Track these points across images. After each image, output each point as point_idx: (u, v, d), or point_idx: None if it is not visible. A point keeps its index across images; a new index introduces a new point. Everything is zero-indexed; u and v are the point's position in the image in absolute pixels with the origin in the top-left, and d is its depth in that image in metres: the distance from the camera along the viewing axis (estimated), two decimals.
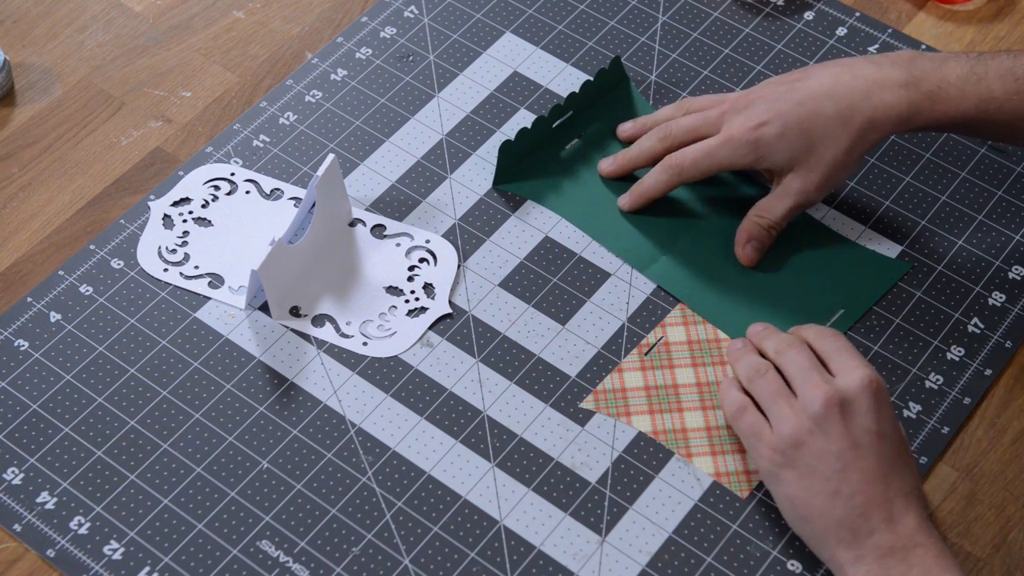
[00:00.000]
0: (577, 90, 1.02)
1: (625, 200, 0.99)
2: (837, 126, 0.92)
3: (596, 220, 0.99)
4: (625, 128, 1.02)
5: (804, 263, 0.97)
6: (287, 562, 0.85)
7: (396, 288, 0.96)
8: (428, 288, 0.96)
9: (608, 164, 1.01)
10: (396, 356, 0.93)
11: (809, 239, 0.98)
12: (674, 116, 0.99)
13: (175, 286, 0.96)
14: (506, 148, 0.99)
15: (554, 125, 1.02)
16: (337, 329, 0.94)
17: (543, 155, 1.02)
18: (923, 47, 1.09)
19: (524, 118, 1.05)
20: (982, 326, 0.95)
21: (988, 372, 0.93)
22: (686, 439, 0.89)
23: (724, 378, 0.89)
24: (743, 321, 0.93)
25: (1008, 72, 0.91)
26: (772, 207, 0.95)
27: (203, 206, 1.00)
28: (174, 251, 0.98)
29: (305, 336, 0.94)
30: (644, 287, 0.96)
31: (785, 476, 0.82)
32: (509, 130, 1.04)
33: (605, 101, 1.04)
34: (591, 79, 1.03)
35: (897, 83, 0.91)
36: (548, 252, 0.98)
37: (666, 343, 0.93)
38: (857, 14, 1.11)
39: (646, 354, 0.92)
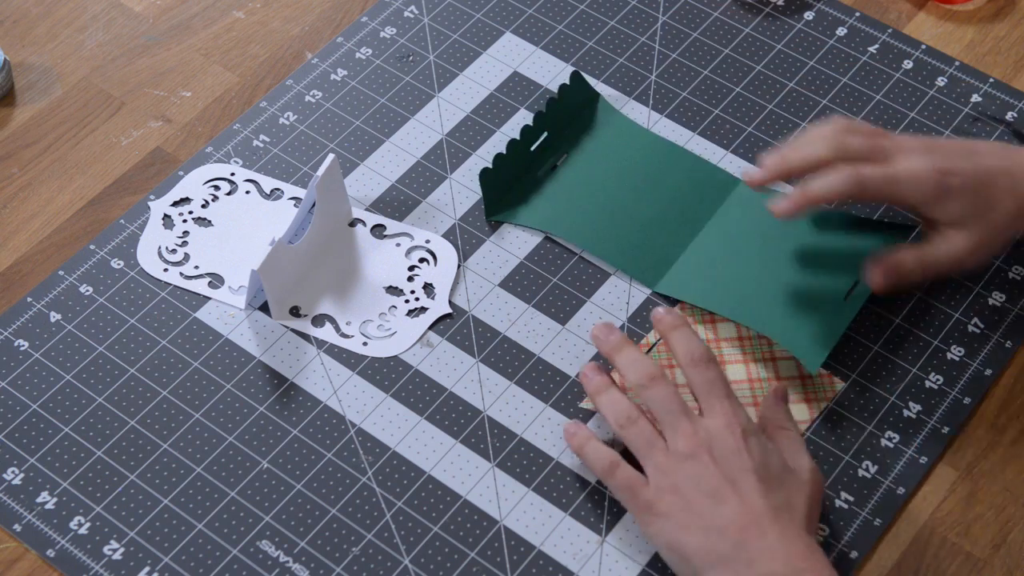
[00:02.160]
0: (544, 109, 1.01)
1: (786, 204, 0.90)
2: (1009, 201, 0.90)
3: (601, 239, 0.97)
4: (770, 166, 0.92)
5: (813, 245, 0.96)
6: (287, 562, 0.85)
7: (396, 288, 0.96)
8: (428, 288, 0.96)
9: (784, 204, 0.91)
10: (396, 356, 0.93)
11: (814, 224, 0.98)
12: (831, 134, 0.92)
13: (175, 286, 0.96)
14: (487, 176, 0.98)
15: (532, 148, 1.01)
16: (337, 329, 0.94)
17: (531, 179, 1.00)
18: (923, 47, 1.09)
19: (524, 117, 1.05)
20: (982, 326, 0.95)
21: (988, 372, 0.93)
22: None
23: (571, 426, 0.87)
24: (768, 314, 0.93)
25: None
26: (934, 251, 0.91)
27: (203, 206, 1.00)
28: (174, 251, 0.98)
29: (305, 336, 0.94)
30: (644, 287, 0.96)
31: (660, 524, 0.81)
32: (509, 130, 1.04)
33: (582, 118, 1.03)
34: (555, 96, 1.02)
35: None
36: (548, 252, 0.98)
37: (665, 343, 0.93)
38: (857, 14, 1.11)
39: (646, 353, 0.92)
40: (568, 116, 1.03)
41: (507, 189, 0.99)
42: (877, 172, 0.90)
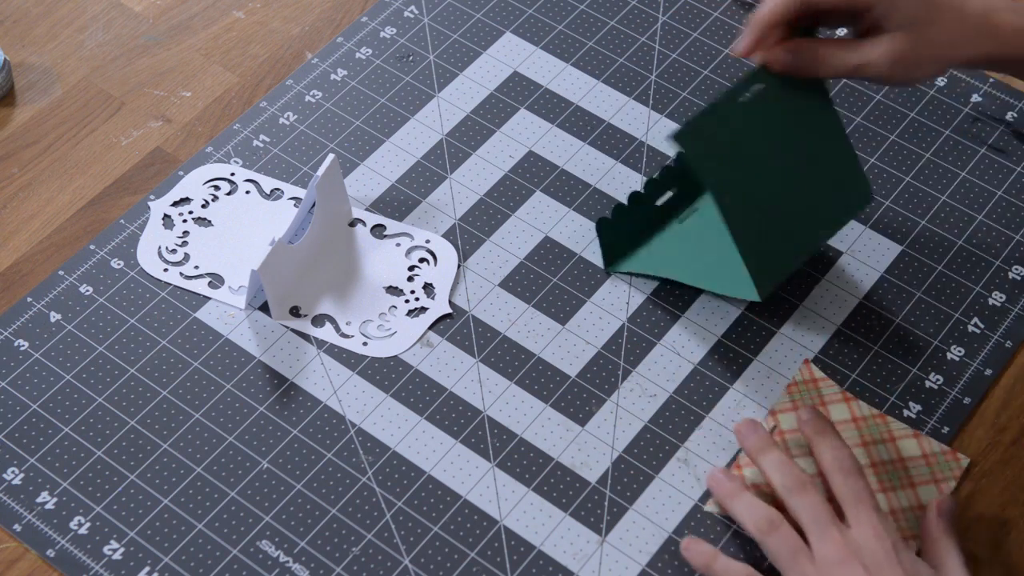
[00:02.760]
0: (672, 163, 0.96)
1: (743, 40, 0.87)
2: (954, 27, 0.86)
3: (719, 275, 0.93)
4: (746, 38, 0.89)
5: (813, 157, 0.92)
6: (287, 562, 0.85)
7: (396, 288, 0.96)
8: (428, 288, 0.96)
9: (741, 40, 0.88)
10: (396, 356, 0.93)
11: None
12: None
13: (175, 286, 0.96)
14: (605, 225, 0.95)
15: (658, 203, 0.97)
16: (337, 329, 0.94)
17: (652, 231, 0.97)
18: None
19: (524, 118, 1.05)
20: (982, 326, 0.95)
21: (988, 372, 0.93)
22: None
23: (697, 548, 0.83)
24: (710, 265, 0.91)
25: None
26: (856, 48, 0.87)
27: (203, 206, 1.00)
28: (174, 251, 0.98)
29: (305, 336, 0.94)
30: (644, 287, 0.96)
31: None
32: (509, 130, 1.04)
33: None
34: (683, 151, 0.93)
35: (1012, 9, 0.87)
36: (548, 252, 0.98)
37: (780, 432, 0.89)
38: None
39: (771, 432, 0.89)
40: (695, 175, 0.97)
41: (627, 240, 0.96)
42: None
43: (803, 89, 0.90)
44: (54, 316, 0.95)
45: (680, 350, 0.94)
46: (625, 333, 0.94)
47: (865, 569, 0.77)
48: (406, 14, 1.11)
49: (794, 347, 0.94)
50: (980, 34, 0.87)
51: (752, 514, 0.81)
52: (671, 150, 1.03)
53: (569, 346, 0.94)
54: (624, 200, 0.96)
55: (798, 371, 0.92)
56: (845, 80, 1.07)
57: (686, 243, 0.96)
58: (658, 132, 1.04)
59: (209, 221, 0.99)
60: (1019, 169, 1.03)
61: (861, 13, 0.87)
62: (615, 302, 0.96)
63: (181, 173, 1.02)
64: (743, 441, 0.85)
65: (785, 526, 0.80)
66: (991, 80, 1.07)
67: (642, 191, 0.96)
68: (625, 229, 0.97)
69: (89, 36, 1.10)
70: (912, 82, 0.89)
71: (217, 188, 1.01)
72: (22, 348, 0.93)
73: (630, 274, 0.97)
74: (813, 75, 0.88)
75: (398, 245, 0.98)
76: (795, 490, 0.81)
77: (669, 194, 0.97)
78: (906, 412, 0.91)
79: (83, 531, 0.86)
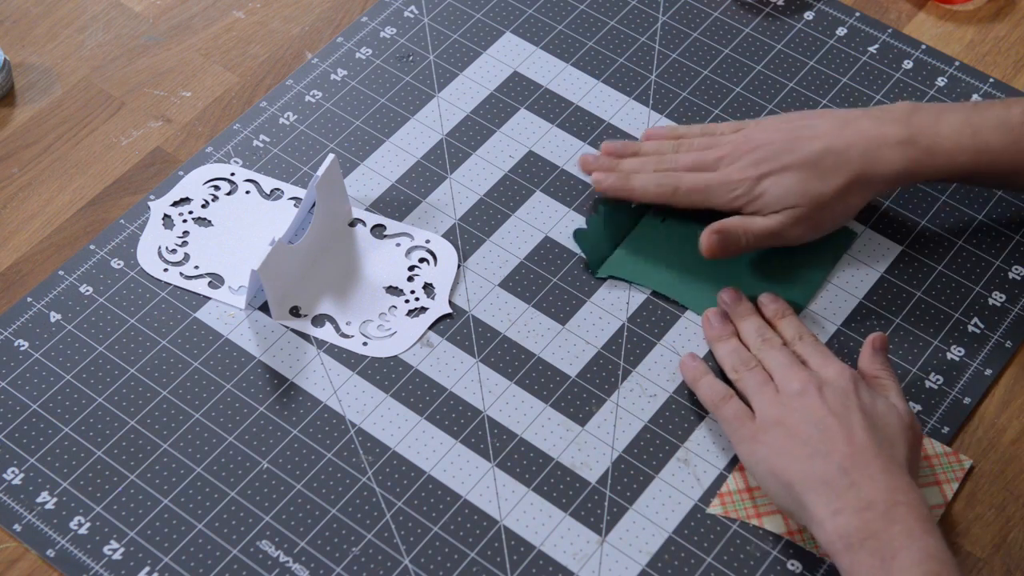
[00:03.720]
0: None
1: (605, 178, 0.97)
2: (832, 178, 0.92)
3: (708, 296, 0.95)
4: (611, 146, 0.99)
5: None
6: (287, 562, 0.85)
7: (396, 288, 0.96)
8: (428, 288, 0.96)
9: (603, 177, 0.97)
10: (396, 356, 0.93)
11: None
12: (664, 150, 0.98)
13: (175, 286, 0.96)
14: (581, 235, 0.97)
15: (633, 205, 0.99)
16: (337, 329, 0.94)
17: (637, 233, 0.98)
18: (923, 47, 1.09)
19: (524, 118, 1.05)
20: (982, 326, 0.95)
21: (988, 372, 0.93)
22: None
23: (689, 359, 0.91)
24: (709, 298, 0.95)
25: (1003, 123, 0.92)
26: (753, 222, 0.94)
27: (203, 206, 1.00)
28: (174, 251, 0.98)
29: (305, 336, 0.94)
30: (644, 287, 0.96)
31: (764, 451, 0.83)
32: (509, 130, 1.04)
33: None
34: None
35: (896, 140, 0.92)
36: (548, 252, 0.98)
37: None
38: (857, 14, 1.11)
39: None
40: None
41: (608, 244, 0.97)
42: (689, 181, 0.95)
43: None
44: (54, 316, 0.95)
45: (680, 350, 0.94)
46: (625, 333, 0.94)
47: (821, 396, 0.84)
48: (406, 14, 1.11)
49: None
50: (841, 176, 0.92)
51: (730, 357, 0.90)
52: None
53: (569, 346, 0.94)
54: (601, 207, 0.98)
55: None
56: (844, 80, 1.07)
57: (675, 253, 0.97)
58: None
59: (209, 221, 0.99)
60: None
61: (743, 209, 0.95)
62: (615, 302, 0.96)
63: (181, 173, 1.02)
64: (707, 330, 0.93)
65: (758, 368, 0.88)
66: (991, 80, 1.07)
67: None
68: (606, 232, 0.97)
69: (89, 36, 1.10)
70: (817, 234, 0.95)
71: (217, 188, 1.01)
72: (22, 348, 0.93)
73: (621, 279, 0.97)
74: (738, 252, 0.94)
75: (398, 245, 0.98)
76: (762, 345, 0.89)
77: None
78: None
79: (83, 531, 0.86)
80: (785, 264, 0.97)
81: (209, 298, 0.96)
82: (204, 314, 0.95)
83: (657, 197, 0.96)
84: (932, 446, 0.89)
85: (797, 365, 0.87)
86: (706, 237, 0.93)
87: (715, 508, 0.87)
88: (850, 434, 0.81)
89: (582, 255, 0.98)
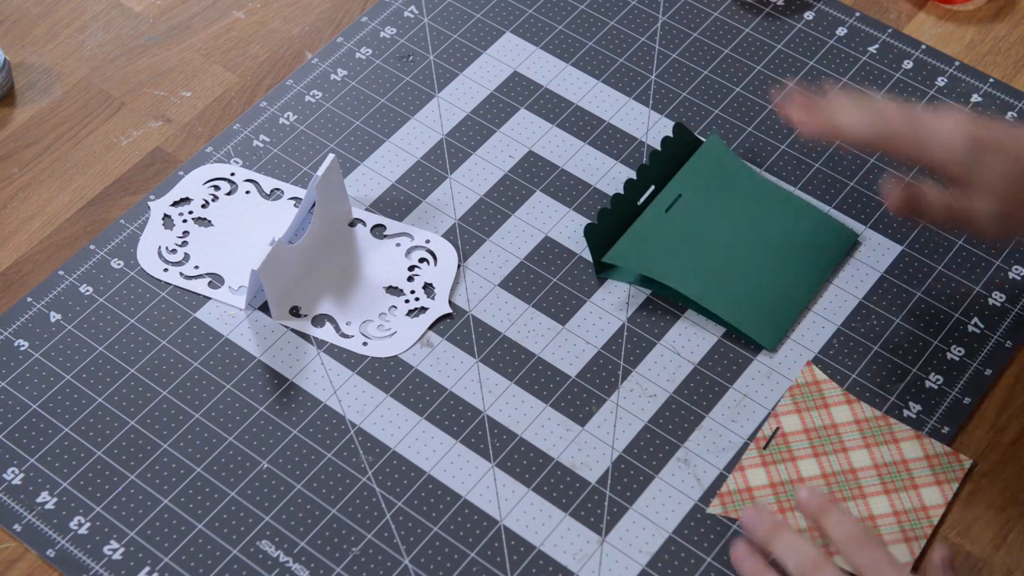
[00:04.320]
0: (647, 162, 0.98)
1: (811, 126, 0.88)
2: None
3: (716, 297, 0.95)
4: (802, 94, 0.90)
5: (778, 233, 0.97)
6: (287, 562, 0.85)
7: (396, 288, 0.96)
8: (428, 288, 0.96)
9: (805, 117, 0.88)
10: (396, 356, 0.93)
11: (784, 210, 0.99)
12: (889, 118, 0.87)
13: (175, 286, 0.96)
14: (592, 231, 0.96)
15: (639, 202, 0.98)
16: (337, 329, 0.94)
17: (640, 230, 0.97)
18: (923, 47, 1.09)
19: (524, 118, 1.05)
20: (982, 326, 0.95)
21: (988, 372, 0.93)
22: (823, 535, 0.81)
23: (743, 550, 0.80)
24: (728, 296, 0.95)
25: None
26: (958, 201, 0.86)
27: (203, 206, 1.00)
28: (174, 251, 0.98)
29: (305, 336, 0.94)
30: (644, 287, 0.96)
31: None
32: (509, 130, 1.04)
33: (691, 167, 1.00)
34: (658, 149, 0.99)
35: None
36: (548, 252, 0.98)
37: (783, 434, 0.89)
38: (857, 14, 1.11)
39: (764, 448, 0.89)
40: (672, 168, 1.00)
41: (614, 243, 0.96)
42: (910, 125, 0.86)
43: (727, 183, 1.00)
44: (54, 316, 0.95)
45: (680, 350, 0.94)
46: (625, 333, 0.94)
47: None
48: (406, 14, 1.11)
49: (794, 347, 0.94)
50: None
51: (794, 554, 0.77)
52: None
53: (569, 346, 0.94)
54: (610, 206, 0.97)
55: (800, 373, 0.92)
56: (844, 80, 1.07)
57: (678, 254, 0.97)
58: (658, 132, 1.04)
59: (209, 221, 0.99)
60: None
61: (952, 171, 0.86)
62: (615, 302, 0.96)
63: (181, 173, 1.02)
64: (753, 530, 0.79)
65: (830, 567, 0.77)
66: (991, 80, 1.07)
67: (623, 193, 0.97)
68: (614, 232, 0.97)
69: (89, 36, 1.10)
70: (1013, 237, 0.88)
71: (217, 188, 1.01)
72: (22, 348, 0.93)
73: (623, 282, 0.97)
74: (921, 218, 0.88)
75: (398, 245, 0.98)
76: (810, 571, 0.77)
77: (648, 192, 0.99)
78: (906, 412, 0.91)
79: (83, 531, 0.86)
80: (790, 261, 0.96)
81: (209, 298, 0.96)
82: (204, 314, 0.95)
83: (864, 136, 0.86)
84: (932, 446, 0.89)
85: None
86: (897, 192, 0.88)
87: (715, 508, 0.87)
88: None
89: (584, 256, 0.98)
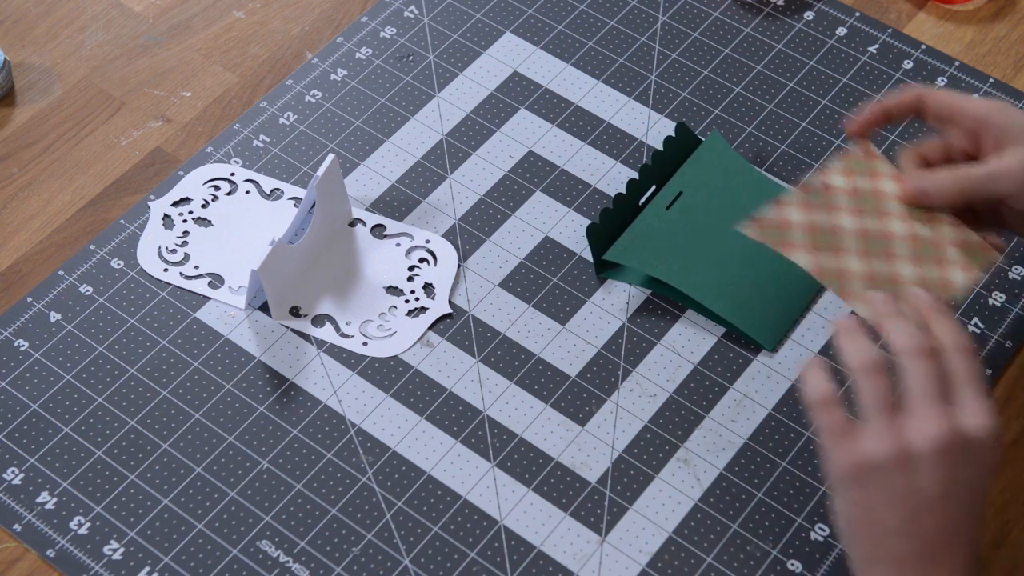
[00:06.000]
0: (649, 162, 0.98)
1: (857, 122, 0.89)
2: None
3: (717, 296, 0.95)
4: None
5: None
6: (287, 562, 0.85)
7: (396, 288, 0.96)
8: (428, 288, 0.96)
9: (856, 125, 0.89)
10: (396, 356, 0.93)
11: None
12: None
13: (175, 286, 0.96)
14: (594, 231, 0.95)
15: (640, 202, 0.98)
16: (337, 329, 0.94)
17: (641, 229, 0.97)
18: (923, 47, 1.09)
19: (524, 118, 1.05)
20: (982, 326, 0.95)
21: (988, 372, 0.93)
22: (845, 281, 0.82)
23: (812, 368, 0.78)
24: (728, 296, 0.94)
25: None
26: (965, 169, 0.86)
27: (203, 206, 1.00)
28: (174, 251, 0.98)
29: (305, 336, 0.94)
30: (645, 288, 0.96)
31: (852, 495, 0.74)
32: (509, 130, 1.04)
33: (694, 165, 1.00)
34: (660, 149, 0.99)
35: None
36: (548, 252, 0.98)
37: (827, 188, 0.87)
38: (857, 14, 1.11)
39: (808, 194, 0.87)
40: (674, 167, 1.00)
41: (612, 243, 0.97)
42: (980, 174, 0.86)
43: (728, 181, 1.00)
44: (54, 316, 0.95)
45: (680, 350, 0.94)
46: (625, 333, 0.94)
47: (939, 467, 0.72)
48: (406, 14, 1.11)
49: (794, 346, 0.94)
50: None
51: (858, 353, 0.76)
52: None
53: (569, 346, 0.94)
54: (612, 206, 0.97)
55: (853, 148, 0.89)
56: (844, 80, 1.07)
57: (678, 254, 0.97)
58: (658, 132, 1.04)
59: (209, 221, 0.99)
60: None
61: (980, 126, 0.86)
62: (615, 302, 0.96)
63: (181, 173, 1.02)
64: (875, 312, 0.79)
65: (884, 376, 0.75)
66: (991, 80, 1.07)
67: (624, 192, 0.97)
68: (615, 232, 0.97)
69: (89, 36, 1.10)
70: None
71: (217, 188, 1.01)
72: (22, 348, 0.93)
73: (624, 282, 0.97)
74: (942, 199, 0.86)
75: (398, 245, 0.98)
76: (914, 355, 0.75)
77: (649, 192, 0.99)
78: None
79: (83, 531, 0.86)
80: (790, 261, 0.96)
81: (209, 298, 0.96)
82: (204, 314, 0.95)
83: (952, 194, 0.86)
84: (967, 234, 0.86)
85: (940, 399, 0.74)
86: (912, 181, 0.87)
87: (748, 229, 0.84)
88: (947, 524, 0.72)
89: (584, 256, 0.98)
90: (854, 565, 0.75)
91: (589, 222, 0.98)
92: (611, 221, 0.96)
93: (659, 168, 0.99)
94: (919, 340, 0.75)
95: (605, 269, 0.97)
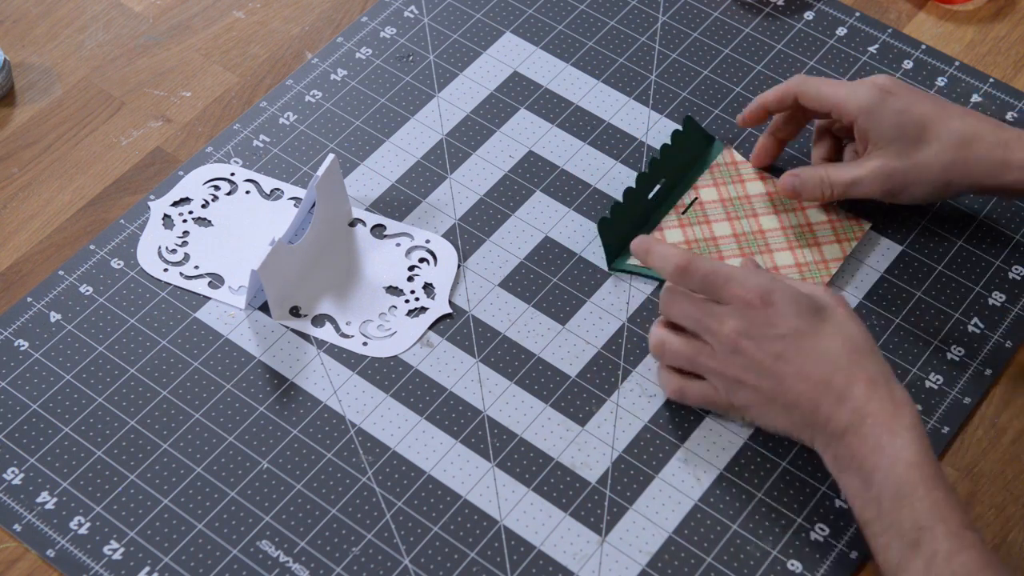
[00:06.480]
0: (658, 156, 0.99)
1: (744, 114, 1.00)
2: (944, 151, 0.92)
3: None
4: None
5: None
6: (287, 562, 0.85)
7: (396, 288, 0.96)
8: (428, 288, 0.96)
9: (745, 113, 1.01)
10: (396, 356, 0.93)
11: None
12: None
13: (175, 286, 0.96)
14: (606, 225, 0.96)
15: (650, 196, 0.98)
16: (337, 329, 0.94)
17: (651, 224, 0.98)
18: (923, 47, 1.09)
19: (524, 118, 1.05)
20: (982, 326, 0.95)
21: (988, 372, 0.93)
22: None
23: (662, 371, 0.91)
24: None
25: None
26: (836, 170, 0.95)
27: (203, 206, 1.00)
28: (174, 251, 0.98)
29: (305, 336, 0.94)
30: (644, 287, 0.96)
31: (751, 415, 0.87)
32: (509, 130, 1.04)
33: (702, 161, 1.01)
34: (668, 143, 1.00)
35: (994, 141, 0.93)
36: (548, 252, 0.98)
37: (700, 203, 0.99)
38: (857, 14, 1.11)
39: (683, 213, 0.98)
40: (684, 161, 1.01)
41: (627, 237, 0.97)
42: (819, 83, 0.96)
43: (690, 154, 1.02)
44: (54, 316, 0.95)
45: None
46: (625, 333, 0.94)
47: (753, 343, 0.84)
48: (406, 14, 1.11)
49: None
50: (958, 147, 0.92)
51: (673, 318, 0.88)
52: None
53: (569, 346, 0.94)
54: (621, 198, 0.97)
55: (720, 155, 1.01)
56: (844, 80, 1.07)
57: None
58: (658, 132, 1.04)
59: (209, 221, 0.99)
60: None
61: (852, 124, 0.95)
62: (615, 302, 0.96)
63: (181, 173, 1.02)
64: (635, 249, 0.90)
65: (673, 336, 0.88)
66: (991, 80, 1.07)
67: (634, 186, 0.97)
68: (625, 226, 0.97)
69: (89, 36, 1.10)
70: (907, 201, 0.95)
71: (217, 188, 1.01)
72: (22, 348, 0.93)
73: (634, 273, 0.97)
74: (814, 197, 0.96)
75: (398, 245, 0.98)
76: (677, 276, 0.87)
77: (658, 186, 0.99)
78: None
79: (83, 531, 0.86)
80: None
81: (209, 298, 0.96)
82: (204, 314, 0.95)
83: (783, 94, 0.97)
84: (835, 211, 0.98)
85: (711, 316, 0.86)
86: (785, 179, 0.96)
87: (634, 260, 0.96)
88: (801, 368, 0.83)
89: (584, 255, 0.98)
90: (789, 433, 0.86)
91: (589, 222, 0.98)
92: (622, 215, 0.97)
93: (668, 162, 0.99)
94: (675, 259, 0.86)
95: (616, 257, 0.97)
